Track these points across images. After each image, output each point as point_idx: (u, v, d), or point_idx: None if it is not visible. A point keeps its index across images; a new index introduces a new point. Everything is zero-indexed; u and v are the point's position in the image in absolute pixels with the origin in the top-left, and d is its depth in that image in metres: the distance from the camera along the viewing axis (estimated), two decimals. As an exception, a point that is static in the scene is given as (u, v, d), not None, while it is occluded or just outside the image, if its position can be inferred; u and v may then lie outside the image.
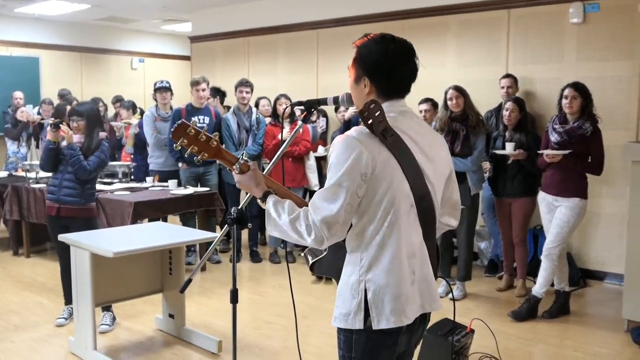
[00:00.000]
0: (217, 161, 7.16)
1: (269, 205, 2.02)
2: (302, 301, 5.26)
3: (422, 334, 2.13)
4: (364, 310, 1.94)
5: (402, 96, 2.06)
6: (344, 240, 2.01)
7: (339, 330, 2.02)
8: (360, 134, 1.92)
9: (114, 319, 4.66)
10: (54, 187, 4.62)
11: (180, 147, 2.12)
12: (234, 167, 2.13)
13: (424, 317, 2.08)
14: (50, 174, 4.84)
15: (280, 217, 1.97)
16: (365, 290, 1.94)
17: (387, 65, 2.00)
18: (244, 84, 6.60)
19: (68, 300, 4.68)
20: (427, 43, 6.81)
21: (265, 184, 2.12)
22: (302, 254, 2.34)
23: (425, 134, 2.07)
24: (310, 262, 2.28)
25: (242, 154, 2.16)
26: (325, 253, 2.21)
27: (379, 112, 1.92)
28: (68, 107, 7.26)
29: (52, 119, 4.68)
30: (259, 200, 2.09)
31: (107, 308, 4.63)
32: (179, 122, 2.14)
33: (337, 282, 2.10)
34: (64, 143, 4.54)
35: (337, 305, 2.01)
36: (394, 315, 1.93)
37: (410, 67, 2.03)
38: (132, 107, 8.16)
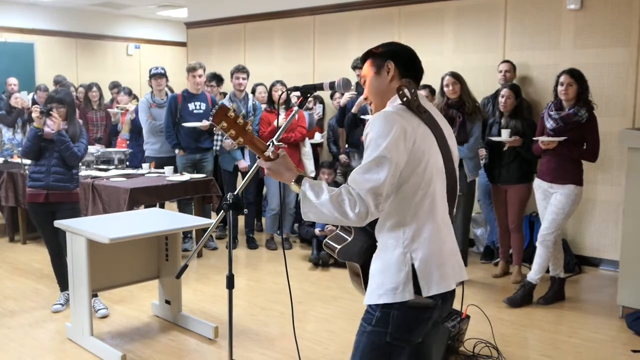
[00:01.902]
0: (215, 147, 7.00)
1: (306, 187, 2.01)
2: (299, 287, 5.27)
3: (448, 309, 2.19)
4: (412, 281, 2.01)
5: (418, 83, 2.19)
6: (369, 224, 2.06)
7: (373, 307, 2.07)
8: (397, 109, 2.03)
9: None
10: (41, 174, 4.63)
11: (220, 131, 2.09)
12: (265, 153, 2.09)
13: (452, 292, 2.16)
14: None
15: (319, 197, 1.96)
16: (412, 261, 2.01)
17: (406, 49, 2.21)
18: (240, 70, 6.58)
19: (63, 286, 4.69)
20: (424, 29, 6.78)
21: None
22: (324, 245, 2.36)
23: (442, 117, 2.21)
24: (338, 248, 2.27)
25: (272, 141, 2.14)
26: (350, 238, 2.24)
27: (413, 90, 2.04)
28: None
29: (36, 106, 4.69)
30: (291, 185, 2.06)
31: (94, 294, 4.62)
32: (220, 104, 2.05)
33: (361, 267, 2.20)
34: (47, 130, 4.56)
35: (378, 283, 2.05)
36: (442, 281, 2.04)
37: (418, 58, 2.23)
38: (130, 92, 8.15)
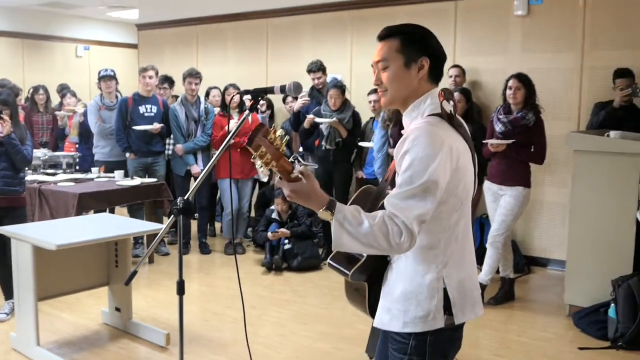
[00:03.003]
0: (167, 151, 6.82)
1: (340, 216, 1.76)
2: (251, 292, 5.24)
3: None
4: (444, 307, 1.87)
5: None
6: None
7: (404, 336, 1.90)
8: (440, 123, 1.84)
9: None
10: None
11: (255, 159, 1.79)
12: (292, 175, 1.81)
13: None
14: None
15: (357, 226, 1.74)
16: (445, 286, 1.87)
17: (442, 50, 1.96)
18: (193, 75, 6.50)
19: (8, 295, 4.55)
20: (375, 34, 6.77)
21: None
22: (328, 265, 2.08)
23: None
24: (352, 270, 1.97)
25: (297, 157, 1.89)
26: (364, 257, 1.97)
27: (453, 102, 1.91)
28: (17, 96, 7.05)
29: None
30: (320, 212, 1.80)
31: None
32: (260, 125, 1.79)
33: (368, 287, 2.00)
34: None
35: (401, 309, 1.89)
36: (475, 306, 1.94)
37: None
38: (75, 95, 7.98)
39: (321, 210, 1.80)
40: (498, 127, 4.84)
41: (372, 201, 2.01)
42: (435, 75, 1.94)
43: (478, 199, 5.41)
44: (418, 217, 1.74)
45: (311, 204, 1.82)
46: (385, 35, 1.94)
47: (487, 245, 4.92)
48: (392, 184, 1.89)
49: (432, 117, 1.86)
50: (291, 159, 1.85)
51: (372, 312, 2.04)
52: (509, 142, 4.73)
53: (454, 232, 1.89)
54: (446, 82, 6.07)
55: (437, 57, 1.93)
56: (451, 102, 1.91)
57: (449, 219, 1.86)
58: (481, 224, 6.09)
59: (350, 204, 1.88)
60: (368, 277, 2.00)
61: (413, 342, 1.89)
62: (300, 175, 1.82)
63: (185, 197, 2.37)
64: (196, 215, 6.79)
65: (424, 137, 1.77)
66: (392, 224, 1.73)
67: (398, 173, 1.82)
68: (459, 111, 5.23)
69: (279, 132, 1.80)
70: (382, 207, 1.82)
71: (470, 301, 1.93)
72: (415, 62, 1.89)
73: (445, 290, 1.87)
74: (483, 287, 4.91)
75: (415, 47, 1.90)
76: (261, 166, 1.79)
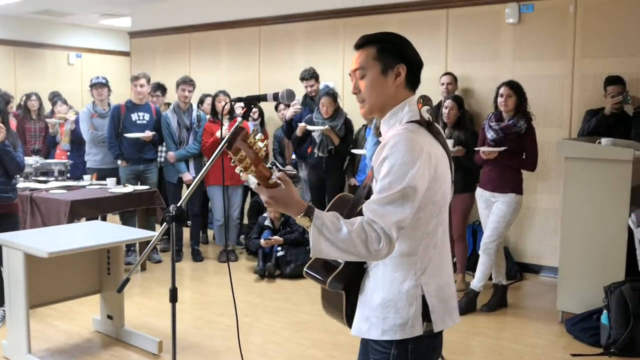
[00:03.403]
0: (159, 158, 6.78)
1: (319, 222, 1.76)
2: (244, 299, 5.23)
3: None
4: (422, 315, 1.87)
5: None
6: None
7: (384, 345, 1.90)
8: (419, 130, 1.84)
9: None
10: None
11: (235, 163, 1.76)
12: (270, 180, 1.80)
13: None
14: None
15: (336, 233, 1.74)
16: (423, 293, 1.87)
17: (418, 56, 1.95)
18: (187, 83, 6.51)
19: (0, 302, 4.52)
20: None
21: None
22: (305, 274, 2.07)
23: None
24: (329, 278, 1.95)
25: (275, 164, 1.92)
26: (342, 264, 1.95)
27: (431, 110, 1.91)
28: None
29: None
30: (298, 218, 1.80)
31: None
32: (239, 129, 1.77)
33: (346, 295, 1.98)
34: None
35: (379, 317, 1.89)
36: (453, 313, 1.95)
37: None
38: (66, 102, 7.97)
39: (299, 216, 1.79)
40: (490, 135, 4.86)
41: (349, 208, 2.00)
42: (413, 82, 1.94)
43: (471, 206, 5.42)
44: (397, 223, 1.74)
45: (289, 210, 1.81)
46: (362, 43, 1.94)
47: (480, 252, 4.93)
48: (370, 191, 1.89)
49: (410, 124, 1.86)
50: (269, 165, 1.84)
51: (349, 321, 2.03)
52: (500, 150, 4.75)
53: (433, 238, 1.89)
54: (438, 89, 6.09)
55: (414, 64, 1.93)
56: (430, 109, 1.94)
57: (427, 226, 1.86)
58: (474, 231, 6.11)
59: (327, 211, 1.88)
60: (345, 285, 1.98)
61: (395, 351, 1.89)
62: (278, 181, 1.82)
63: (178, 205, 2.37)
64: (189, 222, 6.77)
65: (403, 144, 1.77)
66: (370, 230, 1.73)
67: (376, 179, 1.82)
68: (451, 118, 5.28)
69: (259, 136, 1.79)
70: (360, 214, 1.81)
71: (449, 309, 1.93)
72: (392, 69, 1.89)
73: (423, 298, 1.87)
74: (476, 294, 4.92)
75: (392, 54, 1.90)
76: (241, 170, 1.78)
